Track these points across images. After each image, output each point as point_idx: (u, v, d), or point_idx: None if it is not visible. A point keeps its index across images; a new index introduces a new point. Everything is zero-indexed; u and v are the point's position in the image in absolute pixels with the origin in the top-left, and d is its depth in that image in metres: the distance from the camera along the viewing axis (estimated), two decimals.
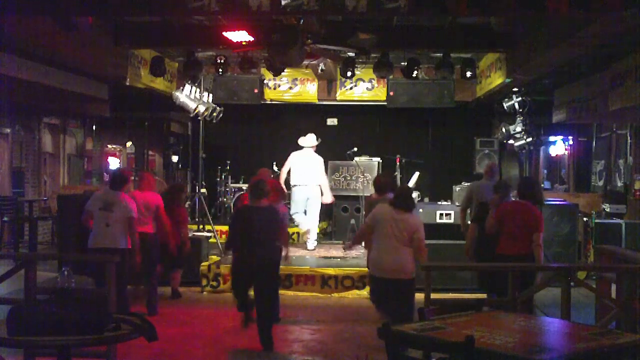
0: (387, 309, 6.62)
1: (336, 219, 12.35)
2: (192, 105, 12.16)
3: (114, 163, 16.95)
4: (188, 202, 13.57)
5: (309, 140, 11.51)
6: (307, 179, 11.21)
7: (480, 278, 7.98)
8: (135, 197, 8.07)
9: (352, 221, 12.17)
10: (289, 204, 11.09)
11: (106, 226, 7.31)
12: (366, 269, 9.44)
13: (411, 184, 12.23)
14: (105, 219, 7.32)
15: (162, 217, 8.23)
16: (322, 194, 11.40)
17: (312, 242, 11.35)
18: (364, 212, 11.85)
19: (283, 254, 7.09)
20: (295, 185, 11.23)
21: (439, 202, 12.04)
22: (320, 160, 11.45)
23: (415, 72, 10.54)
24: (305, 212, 11.36)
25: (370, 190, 12.03)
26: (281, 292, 9.38)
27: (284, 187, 9.97)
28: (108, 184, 7.80)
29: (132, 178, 9.12)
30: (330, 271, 9.49)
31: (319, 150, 11.59)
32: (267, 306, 6.82)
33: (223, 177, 13.18)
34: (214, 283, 9.40)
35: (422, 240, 6.54)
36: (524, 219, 6.95)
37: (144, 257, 7.84)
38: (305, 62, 11.15)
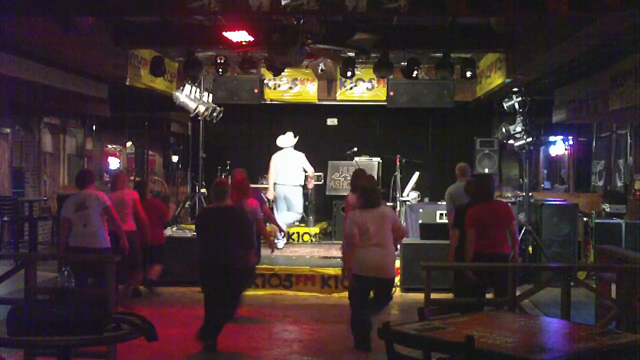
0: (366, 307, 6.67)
1: (336, 219, 12.34)
2: (192, 105, 12.16)
3: (114, 163, 16.95)
4: (188, 202, 13.61)
5: (287, 140, 11.82)
6: (285, 178, 11.60)
7: (457, 285, 7.84)
8: (110, 198, 8.06)
9: None
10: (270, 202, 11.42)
11: (84, 226, 7.20)
12: None
13: (411, 184, 12.23)
14: (82, 219, 7.21)
15: (139, 211, 8.22)
16: (301, 193, 11.77)
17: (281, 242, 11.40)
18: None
19: (272, 243, 6.96)
20: (276, 184, 11.62)
21: (439, 202, 12.03)
22: (299, 157, 11.77)
23: (415, 72, 10.53)
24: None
25: None
26: (281, 292, 9.45)
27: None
28: (76, 186, 7.70)
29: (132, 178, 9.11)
30: (330, 271, 9.49)
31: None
32: (224, 308, 6.65)
33: (223, 177, 13.16)
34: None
35: (402, 227, 6.99)
36: (495, 217, 7.01)
37: (127, 255, 7.72)
38: (305, 62, 11.16)
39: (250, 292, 9.18)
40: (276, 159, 11.78)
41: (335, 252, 11.05)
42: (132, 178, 13.35)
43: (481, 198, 7.18)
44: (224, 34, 8.93)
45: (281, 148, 11.91)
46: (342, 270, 7.95)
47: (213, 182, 7.21)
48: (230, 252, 6.54)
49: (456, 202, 8.43)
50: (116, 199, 8.04)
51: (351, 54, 10.43)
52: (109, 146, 16.83)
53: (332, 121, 14.31)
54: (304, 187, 11.93)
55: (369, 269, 6.54)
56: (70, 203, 7.41)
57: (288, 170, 11.65)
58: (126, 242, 7.57)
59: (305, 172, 11.89)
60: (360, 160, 12.56)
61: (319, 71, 11.94)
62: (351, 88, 13.31)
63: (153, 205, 9.02)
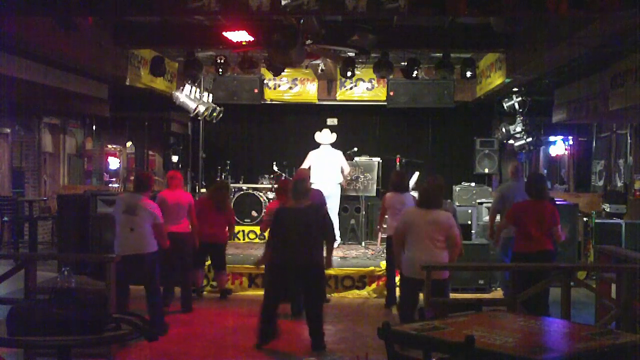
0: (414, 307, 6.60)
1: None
2: (192, 105, 12.15)
3: (114, 163, 16.95)
4: None
5: (325, 137, 11.47)
6: (324, 177, 11.08)
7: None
8: (166, 197, 8.13)
9: (352, 221, 12.17)
10: None
11: (130, 231, 7.04)
12: (366, 268, 9.51)
13: (411, 183, 12.23)
14: (129, 223, 7.05)
15: (192, 216, 8.24)
16: (340, 194, 11.39)
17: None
18: (363, 211, 11.86)
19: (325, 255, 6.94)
20: (313, 184, 10.73)
21: None
22: (337, 155, 11.41)
23: (415, 72, 10.53)
24: None
25: (370, 190, 12.08)
26: None
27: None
28: (133, 187, 7.58)
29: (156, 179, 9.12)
30: (330, 271, 9.44)
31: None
32: (317, 309, 6.71)
33: (223, 177, 13.17)
34: (214, 283, 9.39)
35: (457, 236, 6.58)
36: (538, 217, 6.97)
37: (178, 256, 7.93)
38: (305, 62, 11.14)
39: (251, 292, 9.20)
40: (311, 157, 11.28)
41: (335, 251, 11.05)
42: (132, 178, 13.33)
43: (530, 196, 7.16)
44: (224, 34, 8.93)
45: (318, 145, 11.46)
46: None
47: (293, 180, 7.23)
48: (316, 252, 6.60)
49: (505, 202, 8.40)
50: (174, 201, 8.08)
51: (351, 54, 10.43)
52: (109, 146, 16.83)
53: (332, 121, 14.29)
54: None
55: (415, 270, 6.43)
56: (120, 203, 7.26)
57: (325, 169, 11.13)
58: (166, 243, 7.51)
59: (343, 171, 11.46)
60: (360, 160, 12.55)
61: (319, 71, 11.93)
62: (351, 88, 13.31)
63: (228, 212, 9.04)
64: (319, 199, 8.37)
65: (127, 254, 6.91)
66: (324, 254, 6.94)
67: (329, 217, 7.13)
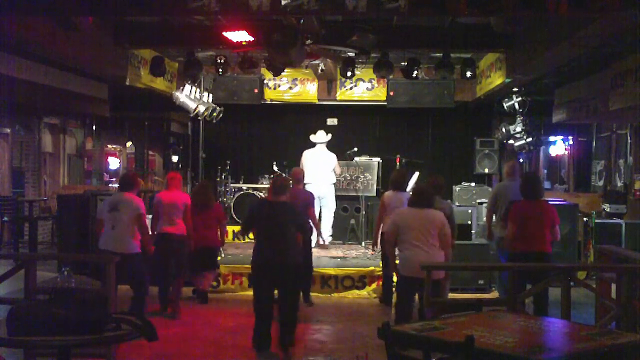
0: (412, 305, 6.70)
1: (336, 219, 12.34)
2: (192, 105, 12.15)
3: (114, 163, 16.95)
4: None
5: (320, 137, 11.54)
6: (318, 177, 11.17)
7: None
8: (162, 197, 8.16)
9: (352, 221, 12.17)
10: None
11: (112, 228, 7.19)
12: (366, 268, 9.51)
13: (411, 183, 12.23)
14: (112, 220, 7.21)
15: (187, 217, 8.18)
16: (334, 194, 11.49)
17: (326, 238, 11.32)
18: (363, 211, 11.87)
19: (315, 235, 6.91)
20: (306, 184, 10.70)
21: None
22: (331, 157, 11.50)
23: (415, 72, 10.53)
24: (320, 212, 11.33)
25: (370, 190, 12.09)
26: None
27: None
28: (118, 188, 7.72)
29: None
30: (330, 271, 9.49)
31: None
32: (290, 307, 6.68)
33: (223, 177, 13.18)
34: (214, 283, 9.38)
35: (449, 235, 6.66)
36: (538, 217, 6.99)
37: (172, 258, 7.96)
38: (305, 62, 11.14)
39: (251, 292, 9.18)
40: (306, 156, 11.39)
41: (335, 252, 11.08)
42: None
43: (526, 196, 7.18)
44: (224, 34, 8.93)
45: (314, 145, 11.57)
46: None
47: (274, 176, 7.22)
48: (290, 250, 6.57)
49: (500, 201, 8.36)
50: (169, 201, 8.09)
51: (351, 54, 10.43)
52: (109, 146, 16.83)
53: (332, 121, 14.30)
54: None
55: (410, 269, 6.50)
56: (105, 204, 7.43)
57: (319, 169, 11.23)
58: (151, 249, 7.57)
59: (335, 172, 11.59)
60: (361, 160, 12.55)
61: (319, 71, 11.93)
62: (351, 88, 13.32)
63: (214, 209, 8.96)
64: (304, 200, 8.38)
65: (106, 249, 7.08)
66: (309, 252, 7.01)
67: (302, 216, 7.15)
